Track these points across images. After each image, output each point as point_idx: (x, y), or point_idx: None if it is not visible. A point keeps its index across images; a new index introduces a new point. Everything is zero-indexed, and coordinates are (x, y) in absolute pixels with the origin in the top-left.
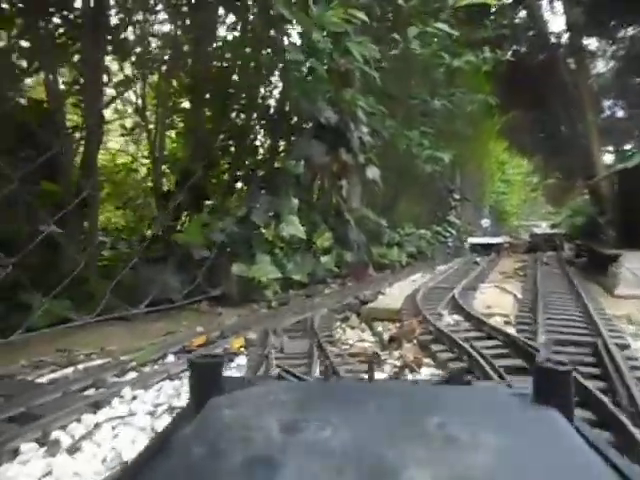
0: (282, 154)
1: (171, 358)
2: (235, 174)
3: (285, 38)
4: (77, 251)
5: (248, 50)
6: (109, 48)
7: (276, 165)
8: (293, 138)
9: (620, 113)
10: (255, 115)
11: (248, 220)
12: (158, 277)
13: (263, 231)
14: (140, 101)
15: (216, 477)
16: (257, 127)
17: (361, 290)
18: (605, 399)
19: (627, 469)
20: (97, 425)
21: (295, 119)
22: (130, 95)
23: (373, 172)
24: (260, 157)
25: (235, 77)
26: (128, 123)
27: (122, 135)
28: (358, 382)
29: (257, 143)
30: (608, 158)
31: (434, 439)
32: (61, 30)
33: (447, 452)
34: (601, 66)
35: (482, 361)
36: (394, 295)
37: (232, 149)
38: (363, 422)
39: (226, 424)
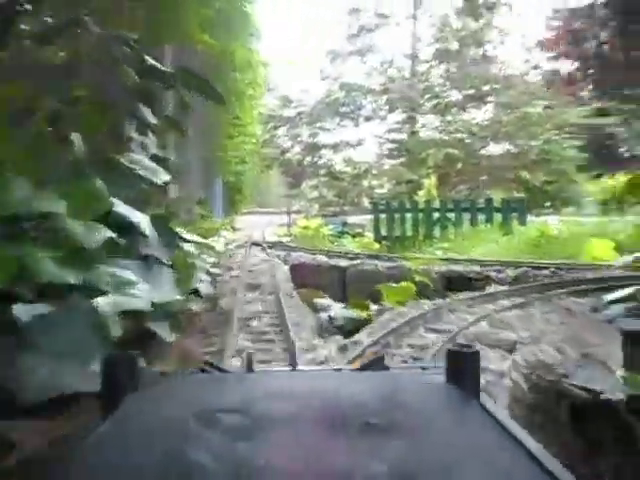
0: None
1: None
2: None
3: None
4: None
5: None
6: None
7: None
8: None
9: None
10: None
11: None
12: None
13: None
14: None
15: (132, 476)
16: None
17: None
18: None
19: (525, 440)
20: None
21: None
22: None
23: None
24: None
25: None
26: None
27: None
28: (280, 372)
29: None
30: None
31: (353, 425)
32: None
33: (365, 436)
34: None
35: None
36: None
37: None
38: (282, 411)
39: (143, 421)
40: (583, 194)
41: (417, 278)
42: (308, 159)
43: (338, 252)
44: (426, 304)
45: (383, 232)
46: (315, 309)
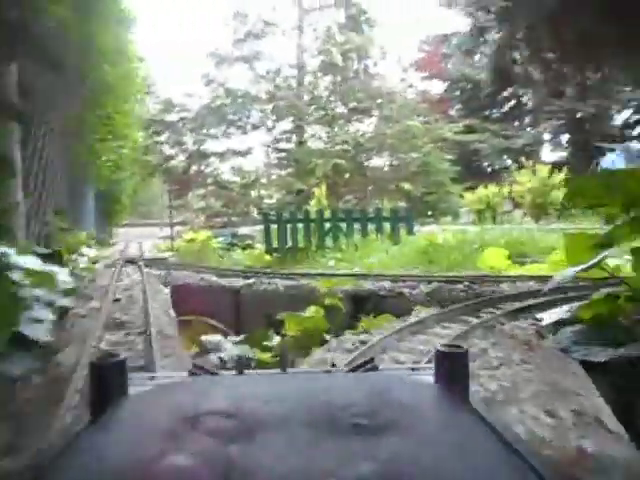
0: None
1: None
2: None
3: None
4: None
5: None
6: None
7: None
8: None
9: None
10: None
11: None
12: None
13: None
14: None
15: None
16: None
17: None
18: None
19: (515, 442)
20: None
21: None
22: None
23: None
24: None
25: None
26: None
27: None
28: (270, 374)
29: None
30: None
31: (342, 425)
32: None
33: (353, 437)
34: None
35: None
36: None
37: None
38: (272, 413)
39: (131, 425)
40: (459, 204)
41: (326, 301)
42: (194, 167)
43: (230, 270)
44: (350, 340)
45: (274, 243)
46: (203, 348)
